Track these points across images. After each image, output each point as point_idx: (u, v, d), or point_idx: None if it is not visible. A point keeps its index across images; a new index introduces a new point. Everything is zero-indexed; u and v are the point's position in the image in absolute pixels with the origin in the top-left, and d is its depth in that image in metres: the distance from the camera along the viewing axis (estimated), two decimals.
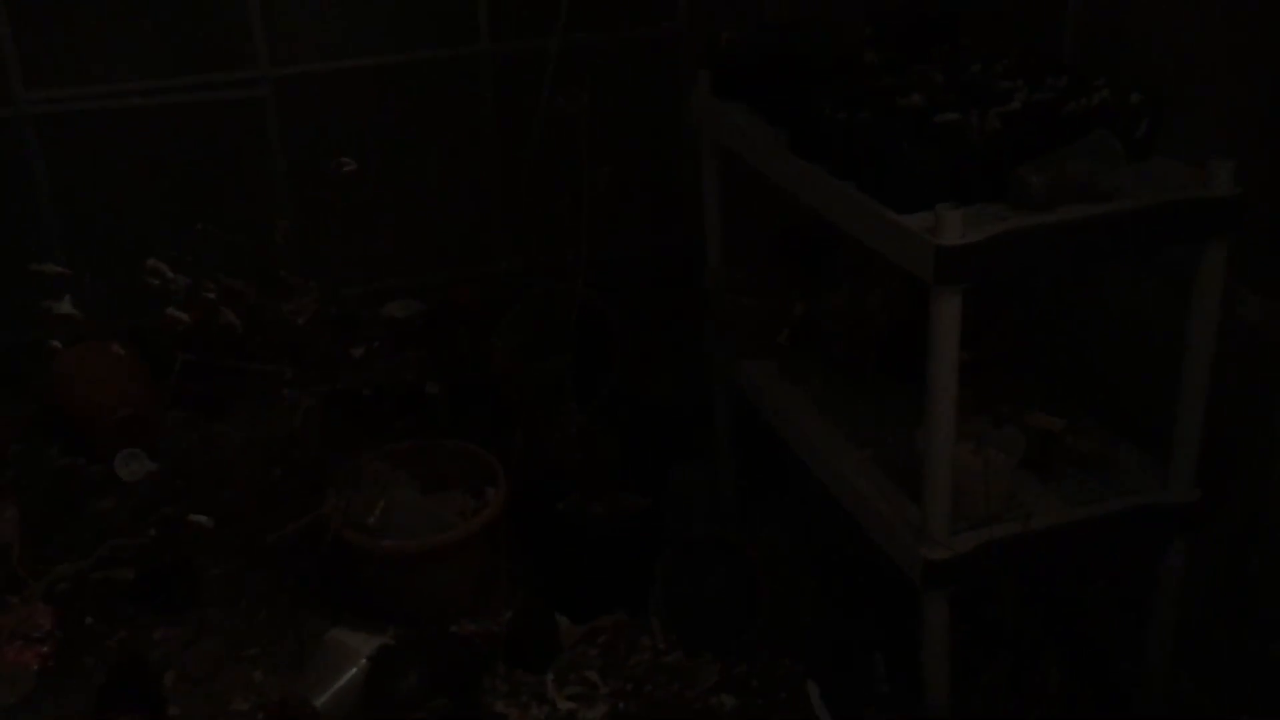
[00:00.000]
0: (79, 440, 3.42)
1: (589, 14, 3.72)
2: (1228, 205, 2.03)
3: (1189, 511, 2.25)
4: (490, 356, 3.21)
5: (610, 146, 2.68)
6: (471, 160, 3.93)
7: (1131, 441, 2.37)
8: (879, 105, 2.23)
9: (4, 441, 3.46)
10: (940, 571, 2.12)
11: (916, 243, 1.95)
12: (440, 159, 3.87)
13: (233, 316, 2.49)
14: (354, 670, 2.52)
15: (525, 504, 2.84)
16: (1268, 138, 2.14)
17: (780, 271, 2.88)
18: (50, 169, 3.66)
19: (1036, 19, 2.64)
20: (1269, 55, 2.12)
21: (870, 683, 2.40)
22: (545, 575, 2.88)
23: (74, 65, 3.61)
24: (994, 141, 2.09)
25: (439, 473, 2.94)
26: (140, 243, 3.14)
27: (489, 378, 3.22)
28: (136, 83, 3.67)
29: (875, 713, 2.40)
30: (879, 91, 2.29)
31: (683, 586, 2.75)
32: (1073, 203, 2.00)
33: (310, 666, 2.57)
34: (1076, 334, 2.61)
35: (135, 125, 3.71)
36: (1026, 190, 2.00)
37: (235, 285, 2.63)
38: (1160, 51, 2.35)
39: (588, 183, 2.61)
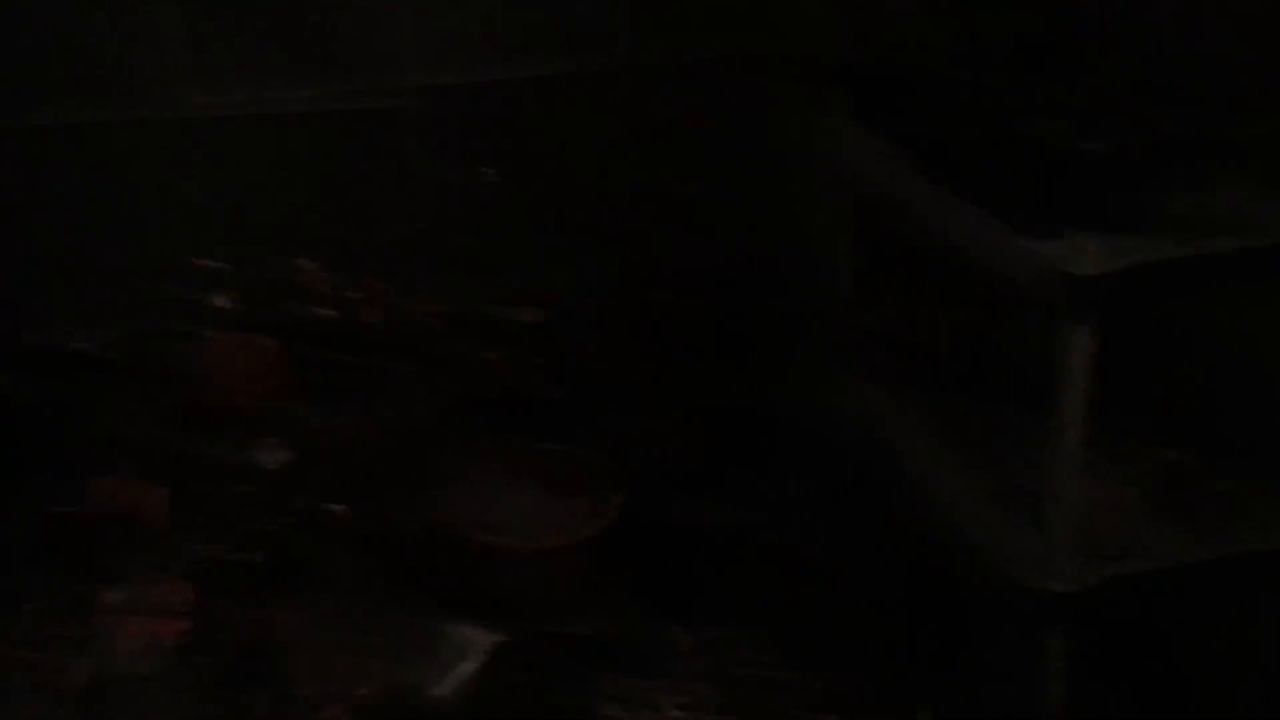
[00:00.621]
0: (222, 428, 3.60)
1: (716, 28, 3.76)
2: None
3: None
4: (613, 362, 3.27)
5: (707, 160, 2.71)
6: (603, 171, 4.01)
7: (1265, 481, 2.30)
8: (1011, 127, 2.21)
9: (154, 426, 3.67)
10: (1062, 605, 2.09)
11: (1048, 272, 1.93)
12: (573, 170, 3.96)
13: (373, 315, 2.60)
14: (470, 664, 2.60)
15: (643, 511, 2.88)
16: None
17: (881, 291, 2.88)
18: (207, 170, 3.86)
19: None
20: None
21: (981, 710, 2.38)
22: (659, 583, 2.92)
23: (236, 74, 3.82)
24: (1135, 168, 2.06)
25: (560, 476, 3.00)
26: (289, 241, 3.32)
27: (608, 384, 3.28)
28: (292, 91, 3.86)
29: None
30: (1010, 113, 2.28)
31: (789, 597, 2.75)
32: (1219, 235, 1.95)
33: (428, 658, 2.66)
34: (1206, 367, 2.54)
35: (283, 131, 3.90)
36: (1168, 220, 1.97)
37: (376, 286, 2.74)
38: None
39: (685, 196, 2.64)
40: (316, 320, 2.58)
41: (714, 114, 2.51)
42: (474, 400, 3.09)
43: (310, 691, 2.66)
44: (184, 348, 3.60)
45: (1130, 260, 1.90)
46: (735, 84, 3.57)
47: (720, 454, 2.90)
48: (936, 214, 2.32)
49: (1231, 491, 2.27)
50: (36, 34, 3.59)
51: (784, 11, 3.63)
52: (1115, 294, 1.90)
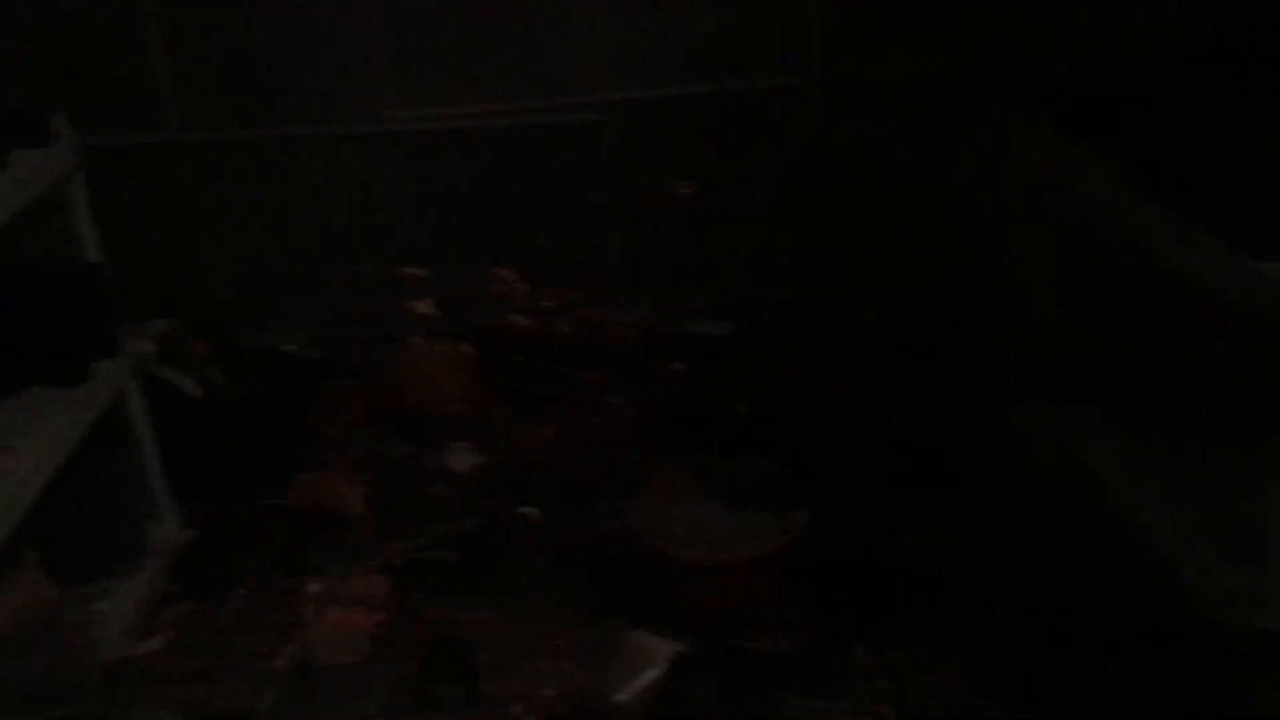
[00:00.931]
0: (418, 430, 3.75)
1: (914, 44, 3.71)
2: None
3: None
4: (802, 378, 3.25)
5: (902, 177, 2.65)
6: (794, 186, 4.01)
7: None
8: (1233, 143, 2.11)
9: (355, 425, 3.85)
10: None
11: None
12: (760, 184, 3.97)
13: (566, 325, 2.66)
14: (652, 673, 2.62)
15: (828, 530, 2.85)
16: None
17: (1085, 314, 2.77)
18: (406, 181, 4.04)
19: None
20: None
21: None
22: (844, 604, 2.88)
23: (434, 89, 3.99)
24: None
25: (745, 491, 3.00)
26: (482, 252, 3.44)
27: (799, 399, 3.26)
28: (488, 105, 4.00)
29: None
30: (1231, 129, 2.17)
31: (987, 629, 2.67)
32: None
33: (611, 664, 2.69)
34: None
35: (483, 144, 4.04)
36: None
37: (570, 296, 2.80)
38: None
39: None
40: (512, 329, 2.64)
41: (911, 130, 2.47)
42: (661, 411, 3.11)
43: (496, 689, 2.73)
44: (386, 353, 3.78)
45: None
46: (934, 100, 3.51)
47: (912, 477, 2.83)
48: (1150, 233, 2.22)
49: None
50: (252, 55, 3.82)
51: (985, 26, 3.56)
52: None
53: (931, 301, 3.54)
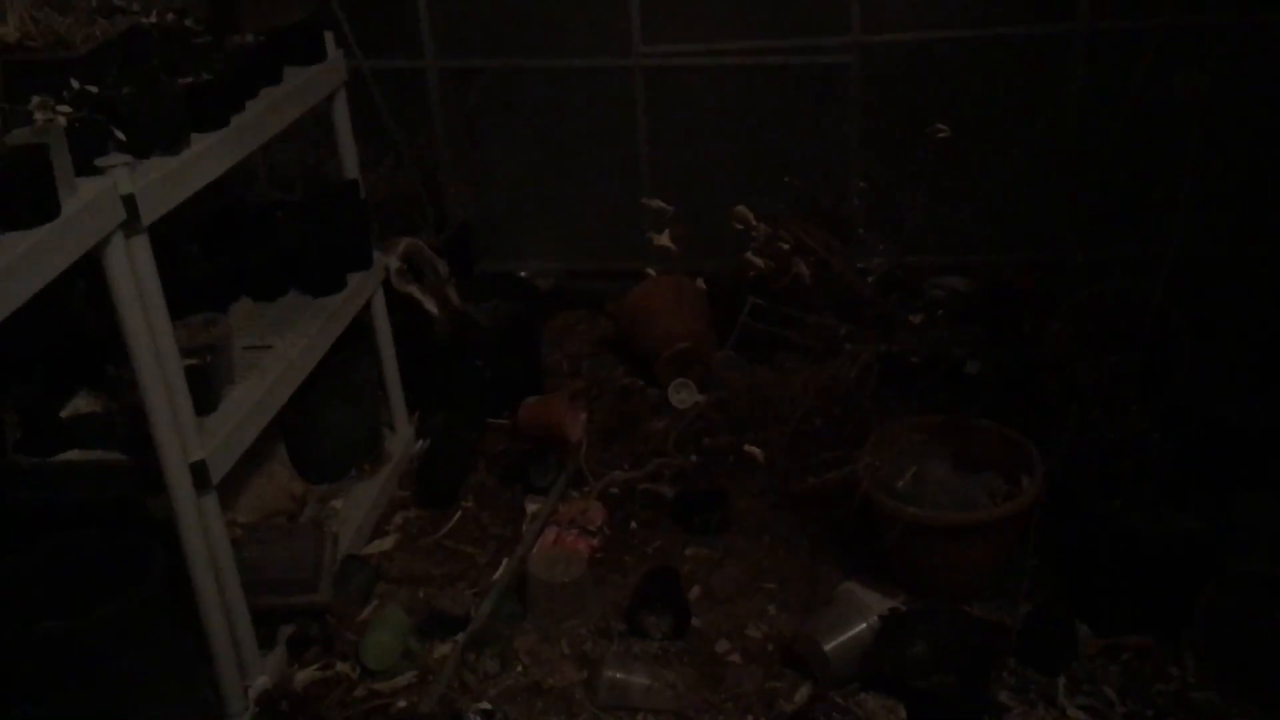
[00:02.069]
0: (641, 364, 3.79)
1: None
2: None
3: None
4: (1041, 343, 3.09)
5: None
6: (1048, 142, 3.81)
7: None
8: None
9: (583, 354, 3.93)
10: None
11: None
12: (1016, 138, 3.78)
13: (804, 268, 2.61)
14: (863, 625, 2.57)
15: (1059, 500, 2.72)
16: None
17: None
18: (651, 116, 4.06)
19: None
20: None
21: None
22: (1070, 578, 2.75)
23: (682, 25, 3.97)
24: None
25: (973, 451, 2.89)
26: (721, 189, 3.41)
27: (1037, 365, 3.11)
28: (735, 44, 3.96)
29: None
30: None
31: (1229, 624, 2.50)
32: None
33: (821, 612, 2.66)
34: None
35: (729, 82, 4.01)
36: None
37: (809, 239, 2.75)
38: None
39: (1188, 178, 2.41)
40: (748, 268, 2.61)
41: (1205, 82, 2.27)
42: (894, 364, 3.03)
43: (704, 624, 2.75)
44: (619, 285, 3.82)
45: None
46: (1234, 51, 3.22)
47: (1163, 457, 2.64)
48: None
49: None
50: None
51: None
52: None
53: (1215, 277, 3.28)
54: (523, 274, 4.21)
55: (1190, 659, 2.50)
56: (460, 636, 2.70)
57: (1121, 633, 2.59)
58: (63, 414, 2.39)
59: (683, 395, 3.60)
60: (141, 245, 2.14)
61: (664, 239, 2.64)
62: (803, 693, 2.54)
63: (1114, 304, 2.94)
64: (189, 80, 2.43)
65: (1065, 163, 3.79)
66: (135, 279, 2.13)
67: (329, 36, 3.03)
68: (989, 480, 2.82)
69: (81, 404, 2.43)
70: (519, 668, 2.65)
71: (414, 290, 3.53)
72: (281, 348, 2.74)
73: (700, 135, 4.06)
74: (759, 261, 2.64)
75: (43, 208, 1.93)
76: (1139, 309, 2.65)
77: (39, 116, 2.11)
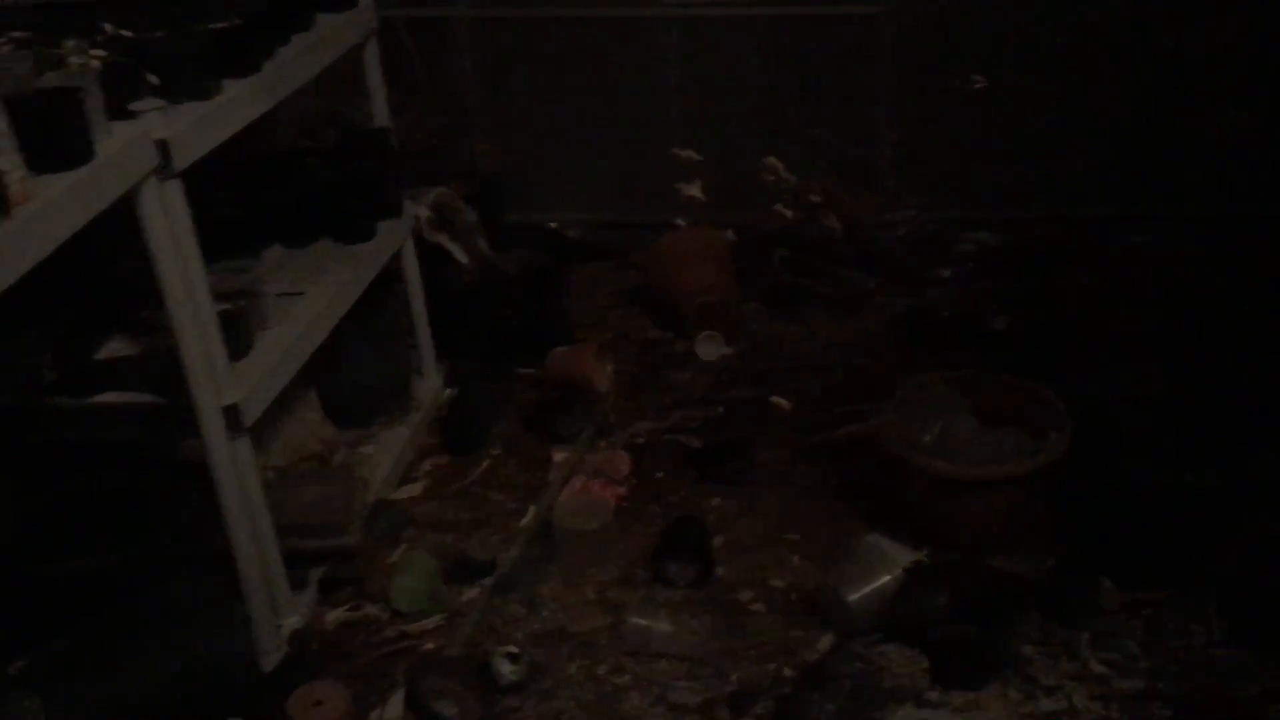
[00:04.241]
0: (668, 315, 3.79)
1: None
2: None
3: None
4: (1068, 298, 3.07)
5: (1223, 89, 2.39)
6: (1079, 95, 3.76)
7: None
8: None
9: (610, 304, 3.93)
10: None
11: None
12: (1047, 90, 3.73)
13: (834, 220, 2.60)
14: (887, 578, 2.58)
15: (1083, 455, 2.71)
16: None
17: None
18: (681, 67, 4.03)
19: None
20: None
21: None
22: (1094, 533, 2.75)
23: None
24: None
25: (998, 406, 2.89)
26: (750, 141, 3.40)
27: (1061, 320, 3.09)
28: None
29: None
30: None
31: (1251, 580, 2.51)
32: None
33: (844, 563, 2.67)
34: None
35: (759, 32, 3.97)
36: None
37: (839, 191, 2.73)
38: None
39: (1217, 132, 2.37)
40: (776, 220, 2.60)
41: (1247, 43, 2.22)
42: (921, 317, 3.02)
43: (728, 574, 2.78)
44: (647, 235, 3.82)
45: None
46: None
47: (1189, 413, 2.63)
48: None
49: None
50: None
51: None
52: None
53: (1242, 233, 3.23)
54: (551, 224, 4.21)
55: (1213, 614, 2.50)
56: (487, 581, 2.74)
57: (1145, 588, 2.60)
58: (97, 357, 2.43)
59: (709, 347, 3.61)
60: (175, 190, 2.16)
61: (693, 189, 2.63)
62: (824, 643, 2.56)
63: (1140, 258, 2.92)
64: (221, 25, 2.43)
65: (1095, 116, 3.74)
66: (169, 224, 2.15)
67: None
68: (1014, 435, 2.81)
69: (116, 347, 2.47)
70: (545, 612, 2.68)
71: (443, 239, 3.55)
72: (312, 295, 2.76)
73: (730, 87, 4.03)
74: (788, 213, 2.63)
75: (76, 152, 1.94)
76: (1165, 263, 2.63)
77: (73, 60, 2.12)
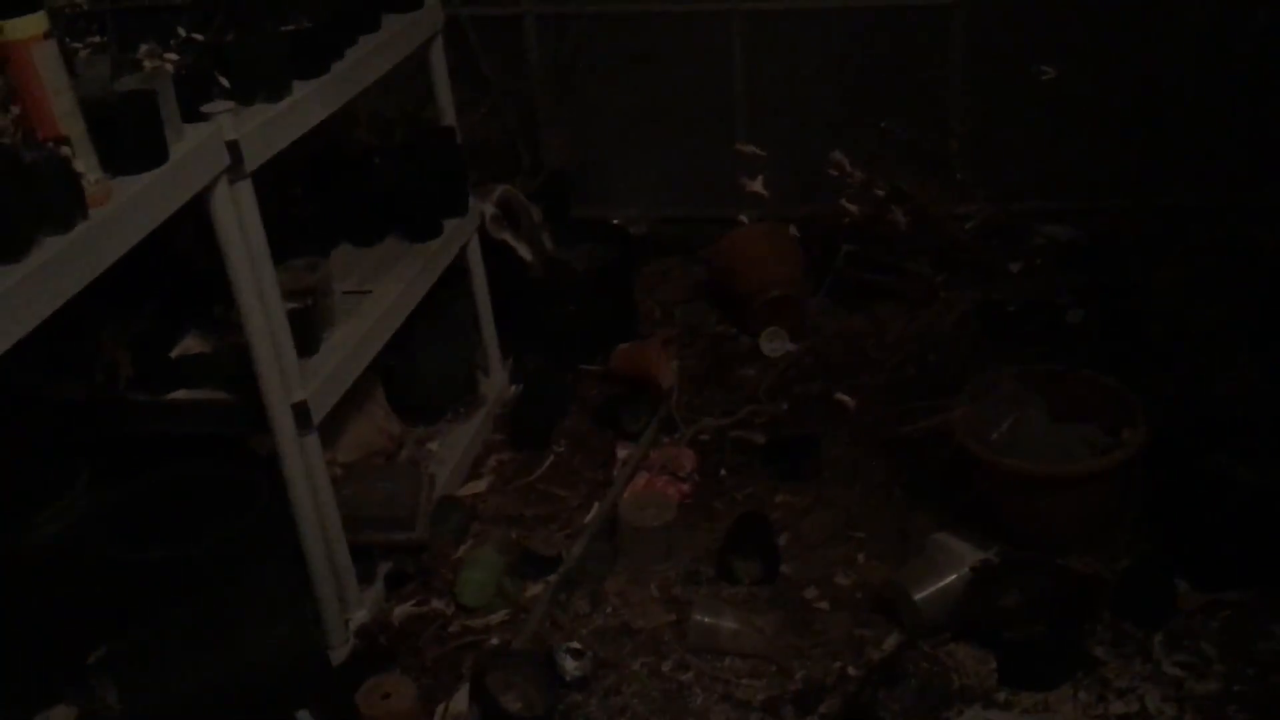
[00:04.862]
0: (733, 311, 3.78)
1: None
2: None
3: None
4: (1150, 291, 3.00)
5: None
6: (1158, 83, 3.67)
7: None
8: None
9: (675, 301, 3.93)
10: None
11: None
12: (1125, 78, 3.65)
13: (900, 215, 2.57)
14: (955, 576, 2.55)
15: (1163, 452, 2.65)
16: None
17: None
18: (747, 61, 4.01)
19: None
20: None
21: None
22: (1170, 532, 2.69)
23: None
24: None
25: (1072, 402, 2.83)
26: (816, 135, 3.36)
27: (1143, 314, 3.02)
28: None
29: None
30: None
31: None
32: None
33: (912, 561, 2.64)
34: None
35: (826, 26, 3.94)
36: None
37: (905, 185, 2.70)
38: None
39: None
40: (843, 215, 2.58)
41: None
42: (991, 312, 2.97)
43: (793, 571, 2.76)
44: (712, 231, 3.81)
45: None
46: None
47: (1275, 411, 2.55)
48: None
49: None
50: None
51: None
52: None
53: None
54: (616, 220, 4.21)
55: None
56: (552, 577, 2.75)
57: (1223, 589, 2.53)
58: (173, 354, 2.48)
59: (775, 344, 3.59)
60: (245, 190, 2.20)
61: (756, 185, 2.61)
62: (891, 641, 2.53)
63: (1226, 250, 2.84)
64: (291, 28, 2.47)
65: (1176, 104, 3.65)
66: (240, 223, 2.19)
67: None
68: (1088, 432, 2.76)
69: (191, 344, 2.52)
70: (609, 609, 2.69)
71: (508, 236, 3.56)
72: (380, 292, 2.80)
73: (797, 80, 3.99)
74: (853, 208, 2.60)
75: (151, 153, 1.99)
76: (1252, 255, 2.55)
77: (148, 64, 2.17)
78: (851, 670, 2.46)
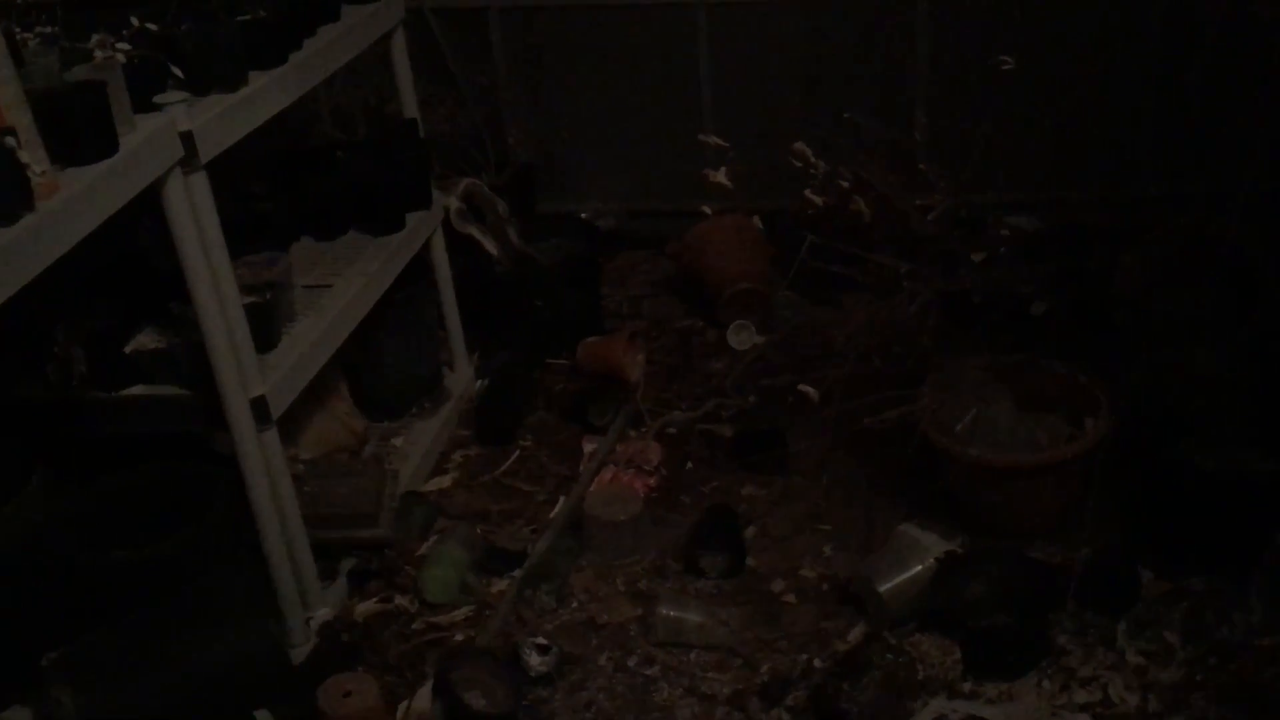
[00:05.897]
0: (700, 304, 3.77)
1: None
2: None
3: None
4: (1113, 280, 3.01)
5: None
6: (1121, 73, 3.68)
7: None
8: None
9: (641, 294, 3.91)
10: None
11: None
12: (1089, 69, 3.66)
13: (863, 205, 2.57)
14: (920, 567, 2.55)
15: (1126, 441, 2.66)
16: None
17: None
18: (712, 52, 4.00)
19: None
20: None
21: None
22: (1134, 521, 2.70)
23: None
24: None
25: (1036, 392, 2.84)
26: (781, 127, 3.35)
27: (1106, 304, 3.03)
28: None
29: None
30: None
31: None
32: None
33: (878, 553, 2.64)
34: None
35: (791, 17, 3.93)
36: None
37: (868, 176, 2.70)
38: None
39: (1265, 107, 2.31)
40: (806, 206, 2.58)
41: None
42: (955, 303, 2.97)
43: (759, 563, 2.75)
44: (677, 225, 3.80)
45: None
46: None
47: (1250, 401, 2.55)
48: None
49: None
50: None
51: None
52: None
53: None
54: (583, 214, 4.20)
55: (1257, 604, 2.44)
56: (518, 572, 2.73)
57: (1186, 577, 2.54)
58: (127, 349, 2.44)
59: (742, 336, 3.58)
60: (200, 182, 2.16)
61: (720, 176, 2.60)
62: (856, 633, 2.53)
63: (1189, 240, 2.85)
64: (247, 18, 2.44)
65: (1139, 94, 3.66)
66: (194, 216, 2.16)
67: None
68: (1052, 422, 2.77)
69: (146, 340, 2.48)
70: (575, 604, 2.67)
71: (474, 230, 3.54)
72: (341, 286, 2.77)
73: (763, 72, 3.99)
74: (817, 199, 2.60)
75: (102, 144, 1.95)
76: (1215, 244, 2.56)
77: (98, 54, 2.13)
78: (817, 663, 2.46)
